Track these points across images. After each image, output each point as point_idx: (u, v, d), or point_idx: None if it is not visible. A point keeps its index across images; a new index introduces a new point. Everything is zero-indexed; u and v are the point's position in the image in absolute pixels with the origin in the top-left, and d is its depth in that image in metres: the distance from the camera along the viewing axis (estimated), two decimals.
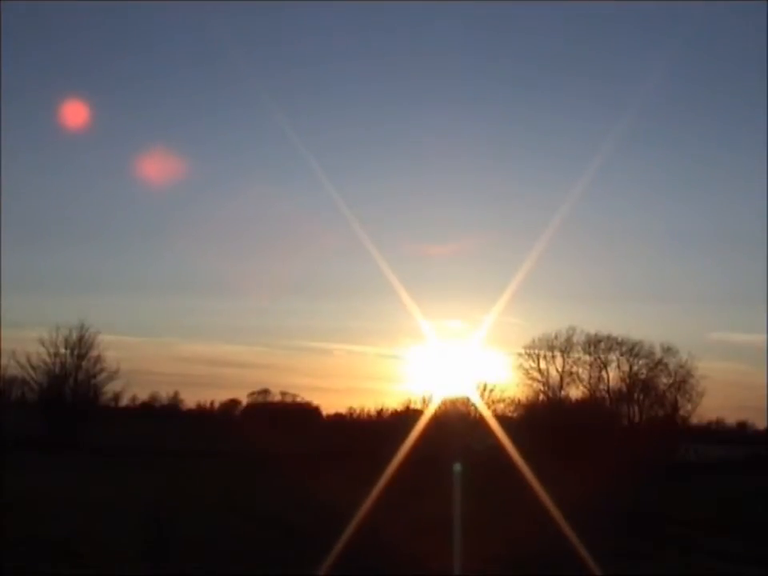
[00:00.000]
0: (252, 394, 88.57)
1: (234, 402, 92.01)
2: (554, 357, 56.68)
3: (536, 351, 56.70)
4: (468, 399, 54.38)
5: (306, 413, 79.32)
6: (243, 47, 68.00)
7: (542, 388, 56.90)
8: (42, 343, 51.76)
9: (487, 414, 49.71)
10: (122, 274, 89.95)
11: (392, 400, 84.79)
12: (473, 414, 53.62)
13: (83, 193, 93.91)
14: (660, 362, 56.06)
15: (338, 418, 75.31)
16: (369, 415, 68.60)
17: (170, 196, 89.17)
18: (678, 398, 55.85)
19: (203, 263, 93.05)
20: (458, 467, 10.18)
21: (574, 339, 56.48)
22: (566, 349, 56.70)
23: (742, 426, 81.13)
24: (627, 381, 56.26)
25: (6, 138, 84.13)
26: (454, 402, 54.13)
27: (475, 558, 12.57)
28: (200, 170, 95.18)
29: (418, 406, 58.23)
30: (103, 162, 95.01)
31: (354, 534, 13.76)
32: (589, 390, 56.73)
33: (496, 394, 56.23)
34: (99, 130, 76.79)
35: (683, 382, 55.46)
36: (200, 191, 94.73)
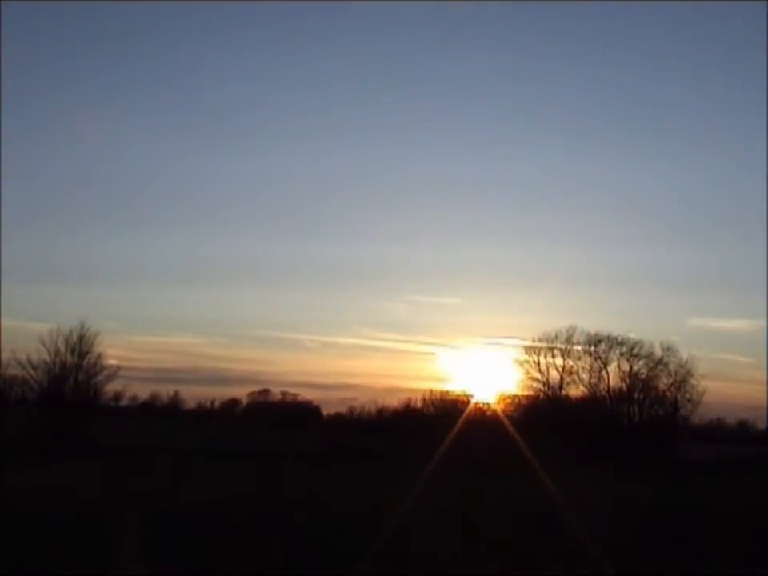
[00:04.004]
0: (252, 393, 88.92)
1: (234, 402, 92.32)
2: (554, 356, 56.74)
3: (536, 350, 56.79)
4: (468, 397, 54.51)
5: (307, 412, 79.43)
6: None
7: (542, 387, 56.97)
8: (42, 343, 51.83)
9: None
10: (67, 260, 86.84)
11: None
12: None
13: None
14: (660, 361, 56.08)
15: (338, 418, 75.35)
16: (369, 414, 68.71)
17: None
18: (678, 397, 55.89)
19: (151, 250, 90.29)
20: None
21: (575, 339, 56.55)
22: (566, 348, 56.76)
23: (743, 425, 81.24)
24: (627, 381, 56.25)
25: None
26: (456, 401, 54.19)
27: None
28: (161, 143, 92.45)
29: (418, 405, 58.34)
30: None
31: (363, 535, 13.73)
32: (589, 389, 56.77)
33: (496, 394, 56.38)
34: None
35: (683, 381, 55.49)
36: (181, 172, 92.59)
